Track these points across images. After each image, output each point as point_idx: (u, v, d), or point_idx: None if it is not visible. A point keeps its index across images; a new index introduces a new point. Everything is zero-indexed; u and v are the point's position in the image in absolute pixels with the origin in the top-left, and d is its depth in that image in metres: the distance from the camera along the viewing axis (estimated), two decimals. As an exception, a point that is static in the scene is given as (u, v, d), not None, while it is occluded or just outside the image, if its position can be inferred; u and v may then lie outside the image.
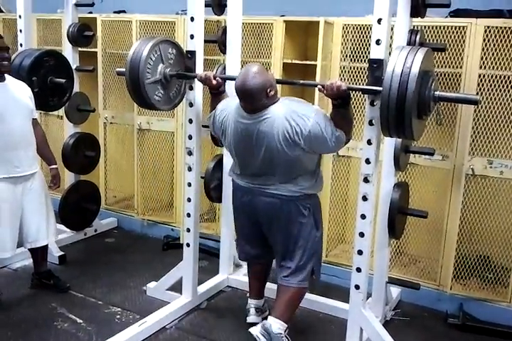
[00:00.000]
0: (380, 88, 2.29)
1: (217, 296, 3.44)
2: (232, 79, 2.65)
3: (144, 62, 2.78)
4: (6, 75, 3.06)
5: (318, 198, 2.84)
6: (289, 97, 2.76)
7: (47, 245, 3.38)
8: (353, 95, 3.48)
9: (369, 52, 2.61)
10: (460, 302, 3.30)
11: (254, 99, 2.52)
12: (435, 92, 2.33)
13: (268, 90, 2.51)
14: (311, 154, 2.61)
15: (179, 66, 2.97)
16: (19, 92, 3.10)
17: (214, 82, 2.79)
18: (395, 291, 3.40)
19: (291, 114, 2.51)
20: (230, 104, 2.74)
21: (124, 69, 2.87)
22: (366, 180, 2.70)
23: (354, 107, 3.53)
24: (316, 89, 2.69)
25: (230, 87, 2.93)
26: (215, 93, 2.89)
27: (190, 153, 3.09)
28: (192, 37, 2.93)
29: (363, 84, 3.25)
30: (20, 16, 3.79)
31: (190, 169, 3.11)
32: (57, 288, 3.47)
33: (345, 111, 2.53)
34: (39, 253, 3.41)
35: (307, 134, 2.48)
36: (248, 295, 3.13)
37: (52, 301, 3.32)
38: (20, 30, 3.80)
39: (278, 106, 2.56)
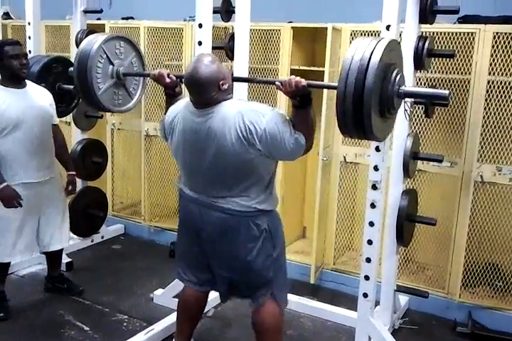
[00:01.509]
0: (337, 84, 2.01)
1: (224, 304, 3.42)
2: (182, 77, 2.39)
3: (91, 74, 2.56)
4: (27, 81, 3.10)
5: (277, 215, 2.50)
6: (243, 99, 2.49)
7: (62, 249, 3.41)
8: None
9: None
10: (469, 311, 3.27)
11: (205, 91, 2.25)
12: (400, 87, 2.05)
13: (221, 83, 2.24)
14: (267, 159, 2.28)
15: (131, 56, 2.80)
16: (39, 98, 3.13)
17: (167, 80, 2.51)
18: (403, 299, 3.37)
19: (246, 111, 2.23)
20: (180, 103, 2.49)
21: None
22: (374, 187, 2.69)
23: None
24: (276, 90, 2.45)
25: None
26: (171, 94, 2.60)
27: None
28: (200, 43, 2.94)
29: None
30: (29, 23, 3.82)
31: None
32: (71, 291, 3.49)
33: (305, 111, 2.24)
34: (54, 258, 3.44)
35: (262, 133, 2.18)
36: (175, 337, 2.79)
37: (60, 308, 3.32)
38: (29, 37, 3.83)
39: (231, 102, 2.30)
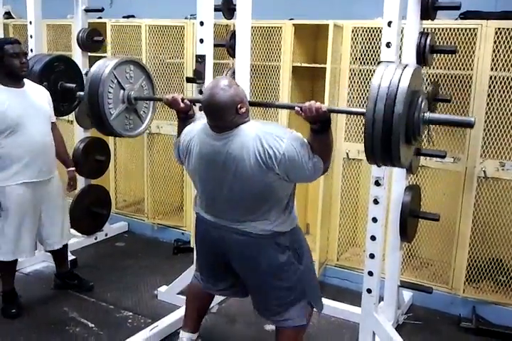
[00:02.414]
0: (364, 110, 2.01)
1: (228, 300, 3.43)
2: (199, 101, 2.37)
3: (103, 99, 2.58)
4: (25, 80, 3.10)
5: (298, 230, 2.48)
6: (260, 120, 2.43)
7: (67, 246, 3.43)
8: (364, 97, 3.49)
9: (379, 55, 2.61)
10: (473, 306, 3.27)
11: (223, 115, 2.21)
12: (425, 114, 2.05)
13: (239, 106, 2.21)
14: (285, 182, 2.25)
15: (140, 79, 2.85)
16: (38, 97, 3.13)
17: (182, 105, 2.51)
18: (407, 295, 3.38)
19: (264, 135, 2.18)
20: (195, 126, 2.44)
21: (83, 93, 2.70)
22: (377, 183, 2.69)
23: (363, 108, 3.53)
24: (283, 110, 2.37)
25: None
26: (184, 117, 2.59)
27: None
28: (202, 41, 2.94)
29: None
30: (30, 22, 3.82)
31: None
32: (82, 287, 3.52)
33: (324, 136, 2.22)
34: (60, 255, 3.47)
35: (281, 157, 2.14)
36: (182, 326, 2.81)
37: (65, 305, 3.33)
38: (31, 36, 3.83)
39: (249, 126, 2.25)
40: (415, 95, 2.01)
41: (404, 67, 1.98)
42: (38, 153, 3.06)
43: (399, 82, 1.92)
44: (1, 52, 2.95)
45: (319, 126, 2.18)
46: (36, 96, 3.12)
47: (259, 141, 2.18)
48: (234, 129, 2.23)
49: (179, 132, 2.56)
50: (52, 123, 3.22)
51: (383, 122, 1.92)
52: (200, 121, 2.43)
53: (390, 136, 1.92)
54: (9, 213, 3.03)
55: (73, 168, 3.44)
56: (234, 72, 3.25)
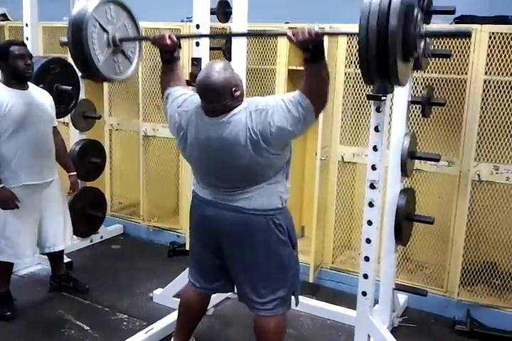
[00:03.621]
0: (357, 30, 1.89)
1: (224, 303, 3.44)
2: (189, 37, 2.23)
3: (88, 46, 2.41)
4: (29, 83, 3.11)
5: (290, 214, 2.48)
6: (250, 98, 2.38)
7: (63, 249, 3.42)
8: (359, 101, 3.50)
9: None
10: (467, 309, 3.28)
11: (218, 97, 2.19)
12: (421, 28, 1.95)
13: (233, 89, 2.19)
14: (282, 151, 2.25)
15: (122, 18, 2.64)
16: (41, 100, 3.14)
17: (168, 41, 2.39)
18: (402, 298, 3.39)
19: (253, 113, 2.18)
20: (193, 98, 2.37)
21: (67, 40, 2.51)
22: (372, 186, 2.70)
23: (359, 112, 3.55)
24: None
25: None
26: (168, 59, 2.48)
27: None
28: (197, 44, 2.95)
29: (368, 91, 3.27)
30: (26, 24, 3.82)
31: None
32: (78, 289, 3.51)
33: (319, 65, 2.10)
34: (57, 257, 3.47)
35: (271, 130, 2.15)
36: (174, 336, 2.78)
37: (60, 308, 3.32)
38: (27, 38, 3.82)
39: (240, 108, 2.23)
40: (409, 8, 1.90)
41: None
42: (39, 155, 3.07)
43: None
44: (6, 53, 2.96)
45: (312, 53, 2.08)
46: (39, 99, 3.12)
47: (250, 121, 2.18)
48: (228, 113, 2.22)
49: (165, 79, 2.50)
50: (53, 127, 3.23)
51: (377, 39, 1.82)
52: (193, 97, 2.37)
53: (387, 52, 1.83)
54: (10, 215, 3.02)
55: (75, 173, 3.43)
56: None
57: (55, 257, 3.47)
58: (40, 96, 3.15)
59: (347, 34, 2.13)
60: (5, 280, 3.26)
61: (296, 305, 2.58)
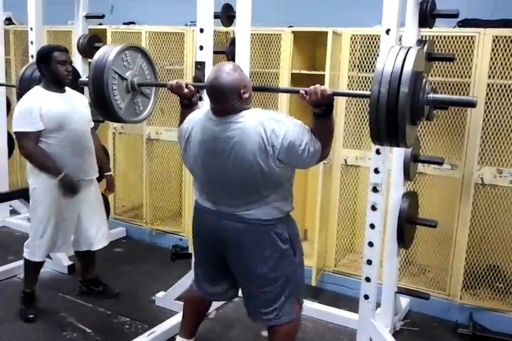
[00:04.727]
0: (369, 92, 2.02)
1: (226, 306, 3.43)
2: (201, 86, 2.33)
3: (110, 100, 2.55)
4: (66, 87, 3.17)
5: (293, 220, 2.49)
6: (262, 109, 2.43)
7: (96, 252, 3.43)
8: (361, 104, 3.51)
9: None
10: (470, 312, 3.28)
11: (226, 99, 2.21)
12: (429, 95, 2.07)
13: (242, 91, 2.22)
14: (286, 167, 2.26)
15: (138, 60, 2.76)
16: (78, 101, 3.21)
17: (186, 90, 2.50)
18: (405, 301, 3.38)
19: (266, 120, 2.20)
20: (198, 113, 2.44)
21: (87, 79, 2.63)
22: (375, 190, 2.71)
23: (361, 115, 3.56)
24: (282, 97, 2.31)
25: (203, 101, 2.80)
26: (187, 104, 2.58)
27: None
28: (201, 48, 2.97)
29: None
30: (31, 28, 3.85)
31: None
32: (106, 294, 3.52)
33: (327, 120, 2.22)
34: (90, 260, 3.50)
35: (283, 141, 2.16)
36: (179, 332, 2.79)
37: (62, 311, 3.33)
38: (32, 42, 3.85)
39: (251, 112, 2.26)
40: (419, 76, 2.02)
41: (408, 49, 2.00)
42: (79, 153, 3.12)
43: (403, 63, 1.94)
44: (49, 58, 3.01)
45: (322, 111, 2.18)
46: (76, 101, 3.20)
47: (262, 126, 2.18)
48: (236, 114, 2.24)
49: (181, 119, 2.55)
50: (91, 128, 3.30)
51: (388, 104, 1.93)
52: (203, 108, 2.45)
53: (396, 117, 1.94)
54: (48, 212, 3.08)
55: (111, 173, 3.52)
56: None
57: (87, 259, 3.49)
58: (77, 98, 3.22)
59: (359, 96, 2.25)
60: (33, 280, 3.30)
61: (300, 309, 2.55)
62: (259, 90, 2.48)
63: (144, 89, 2.77)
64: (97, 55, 2.59)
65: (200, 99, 2.60)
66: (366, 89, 3.46)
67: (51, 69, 3.02)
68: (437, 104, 2.16)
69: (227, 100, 2.22)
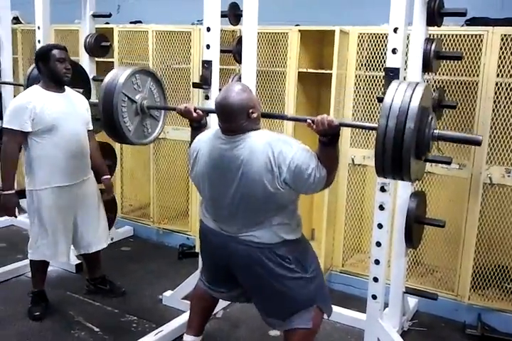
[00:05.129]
0: (376, 125, 2.05)
1: (233, 305, 3.43)
2: (214, 112, 2.37)
3: (119, 123, 2.60)
4: (66, 87, 3.16)
5: (303, 240, 2.47)
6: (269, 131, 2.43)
7: (99, 251, 3.43)
8: (369, 103, 3.50)
9: (385, 61, 2.62)
10: (478, 313, 3.26)
11: (235, 118, 2.24)
12: (434, 131, 2.11)
13: (250, 111, 2.24)
14: (291, 190, 2.25)
15: (147, 83, 2.81)
16: (77, 103, 3.19)
17: (195, 114, 2.55)
18: (412, 301, 3.37)
19: (274, 141, 2.23)
20: (207, 133, 2.47)
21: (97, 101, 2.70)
22: (383, 189, 2.69)
23: (369, 114, 3.54)
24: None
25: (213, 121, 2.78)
26: (196, 126, 2.62)
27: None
28: (208, 47, 2.96)
29: (378, 93, 3.27)
30: (38, 27, 3.85)
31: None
32: (114, 293, 3.53)
33: (333, 149, 2.25)
34: (93, 259, 3.49)
35: (290, 164, 2.18)
36: (186, 329, 2.79)
37: (70, 310, 3.34)
38: (39, 41, 3.86)
39: (259, 133, 2.28)
40: (425, 112, 2.06)
41: (416, 85, 2.04)
42: (73, 156, 3.10)
43: (410, 99, 1.98)
44: (47, 56, 3.01)
45: (329, 139, 2.21)
46: (75, 102, 3.18)
47: (270, 146, 2.20)
48: (244, 134, 2.26)
49: (191, 140, 2.59)
50: (88, 130, 3.27)
51: (394, 138, 1.97)
52: (212, 129, 2.46)
53: (401, 151, 1.98)
54: (44, 217, 3.07)
55: (108, 176, 3.45)
56: (240, 78, 3.26)
57: (90, 259, 3.49)
58: (76, 99, 3.20)
59: (366, 128, 2.28)
60: (40, 279, 3.30)
61: (328, 316, 2.56)
62: (266, 117, 2.52)
63: (153, 111, 2.82)
64: (107, 78, 2.64)
65: (205, 125, 2.65)
66: (374, 88, 3.46)
67: (50, 67, 3.01)
68: (442, 140, 2.19)
69: (236, 119, 2.25)
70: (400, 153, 1.98)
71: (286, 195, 2.26)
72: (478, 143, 2.12)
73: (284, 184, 2.21)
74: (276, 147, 2.20)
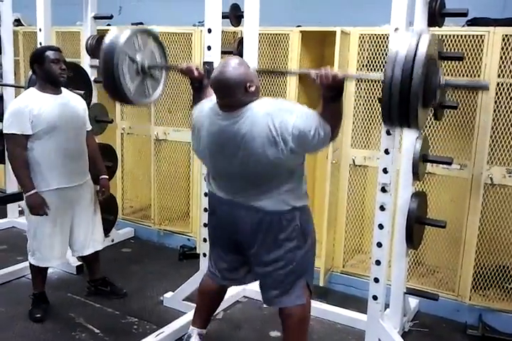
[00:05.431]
0: (382, 75, 1.99)
1: (234, 306, 3.43)
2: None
3: (120, 81, 2.48)
4: (63, 89, 3.15)
5: (308, 209, 2.51)
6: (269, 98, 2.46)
7: (98, 253, 3.43)
8: (370, 103, 3.50)
9: (386, 62, 2.61)
10: (479, 313, 3.25)
11: (232, 93, 2.22)
12: (441, 78, 2.06)
13: (248, 85, 2.21)
14: (297, 155, 2.27)
15: (149, 44, 2.70)
16: (74, 104, 3.18)
17: (196, 73, 2.53)
18: (413, 302, 3.36)
19: (274, 111, 2.21)
20: (208, 103, 2.43)
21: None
22: (384, 190, 2.69)
23: (370, 115, 3.54)
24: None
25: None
26: (198, 87, 2.60)
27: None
28: (209, 48, 2.97)
29: (379, 94, 3.27)
30: (40, 29, 3.85)
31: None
32: (114, 294, 3.53)
33: (337, 104, 2.21)
34: (92, 262, 3.49)
35: (293, 131, 2.16)
36: (192, 322, 2.82)
37: (71, 311, 3.33)
38: (40, 43, 3.86)
39: (258, 104, 2.26)
40: (432, 60, 2.02)
41: (421, 34, 1.99)
42: (71, 158, 3.09)
43: (416, 47, 1.93)
44: (42, 57, 3.01)
45: (333, 94, 2.17)
46: (72, 104, 3.16)
47: (270, 117, 2.19)
48: (243, 108, 2.24)
49: (193, 102, 2.59)
50: (87, 131, 3.26)
51: (401, 87, 1.92)
52: (211, 99, 2.44)
53: (409, 100, 1.93)
54: (41, 219, 3.05)
55: (106, 176, 3.44)
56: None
57: (88, 261, 3.49)
58: (73, 101, 3.19)
59: (372, 80, 2.25)
60: (39, 281, 3.30)
61: (310, 295, 2.57)
62: (269, 73, 2.47)
63: (154, 72, 2.73)
64: (108, 37, 2.56)
65: (207, 86, 2.57)
66: (375, 90, 3.46)
67: (45, 69, 3.01)
68: (450, 87, 2.18)
69: (234, 94, 2.22)
70: (407, 101, 1.93)
71: (292, 160, 2.28)
72: (486, 88, 2.09)
73: (291, 152, 2.20)
74: (277, 117, 2.18)
